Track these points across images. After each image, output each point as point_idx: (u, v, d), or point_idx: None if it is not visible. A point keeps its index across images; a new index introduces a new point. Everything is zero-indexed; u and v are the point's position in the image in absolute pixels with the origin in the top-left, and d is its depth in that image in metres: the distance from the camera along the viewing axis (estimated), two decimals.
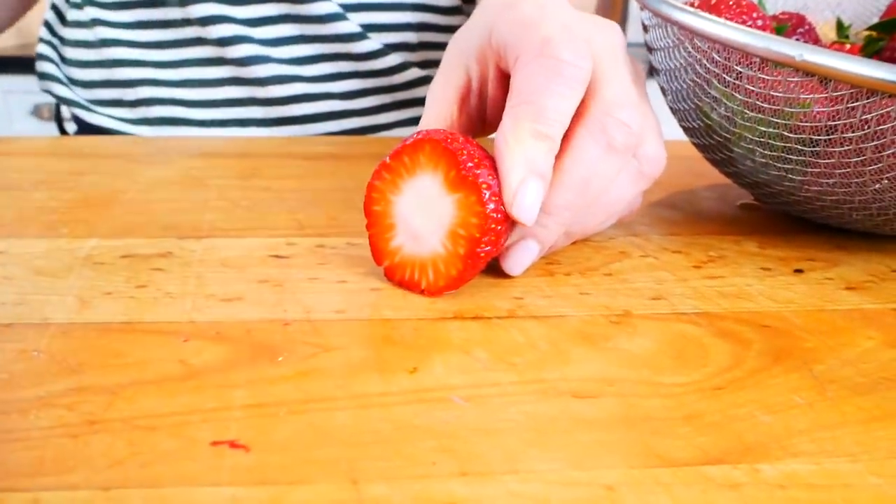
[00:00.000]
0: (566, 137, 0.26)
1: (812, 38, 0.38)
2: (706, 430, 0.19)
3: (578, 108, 0.26)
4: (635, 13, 1.81)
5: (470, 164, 0.24)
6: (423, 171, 0.25)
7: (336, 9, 0.52)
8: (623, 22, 1.85)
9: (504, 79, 0.29)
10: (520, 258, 0.27)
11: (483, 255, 0.25)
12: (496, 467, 0.17)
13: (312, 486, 0.16)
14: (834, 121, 0.26)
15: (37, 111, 1.47)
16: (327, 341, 0.23)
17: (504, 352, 0.23)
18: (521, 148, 0.25)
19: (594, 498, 0.16)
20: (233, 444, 0.18)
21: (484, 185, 0.24)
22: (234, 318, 0.24)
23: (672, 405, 0.20)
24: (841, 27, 0.40)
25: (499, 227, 0.24)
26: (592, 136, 0.26)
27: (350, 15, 0.53)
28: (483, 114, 0.31)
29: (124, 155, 0.44)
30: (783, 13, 0.39)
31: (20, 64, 1.42)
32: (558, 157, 0.26)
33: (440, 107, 0.29)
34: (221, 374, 0.21)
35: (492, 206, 0.24)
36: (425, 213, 0.25)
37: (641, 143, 0.27)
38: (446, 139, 0.24)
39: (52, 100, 0.61)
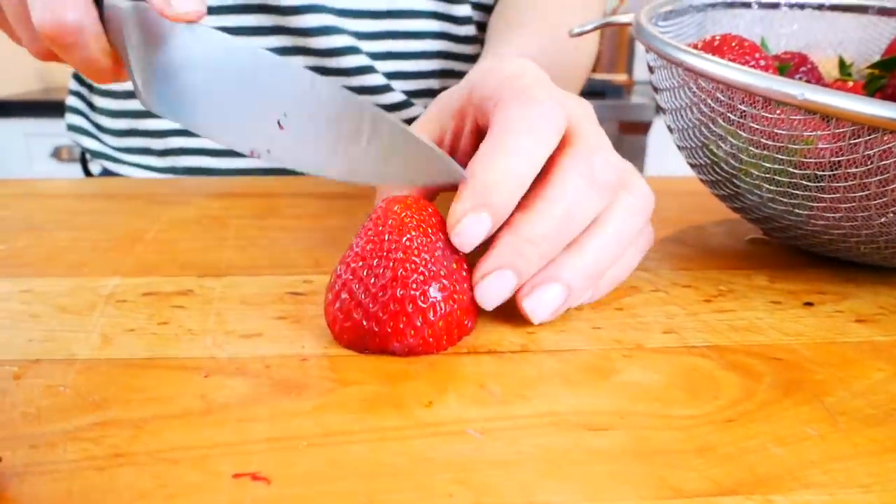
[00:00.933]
0: (548, 171, 0.26)
1: (815, 76, 0.39)
2: (718, 462, 0.19)
3: (560, 149, 0.27)
4: (642, 53, 1.84)
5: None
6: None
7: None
8: (629, 61, 1.87)
9: (479, 133, 0.30)
10: (494, 288, 0.26)
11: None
12: (512, 499, 0.18)
13: None
14: (837, 157, 0.27)
15: (57, 153, 1.50)
16: (344, 376, 0.23)
17: (517, 385, 0.23)
18: (480, 180, 0.25)
19: None
20: (254, 477, 0.18)
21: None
22: (254, 353, 0.25)
23: (684, 437, 0.20)
24: (843, 65, 0.41)
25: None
26: (577, 168, 0.26)
27: (377, 64, 0.54)
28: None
29: (145, 196, 0.46)
30: (785, 53, 0.40)
31: (42, 107, 1.46)
32: (540, 188, 0.26)
33: None
34: (242, 408, 0.21)
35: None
36: None
37: (627, 182, 0.28)
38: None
39: (72, 143, 0.62)
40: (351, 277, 0.25)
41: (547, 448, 0.20)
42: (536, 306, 0.26)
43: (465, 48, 0.59)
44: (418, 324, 0.24)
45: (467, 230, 0.25)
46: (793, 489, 0.18)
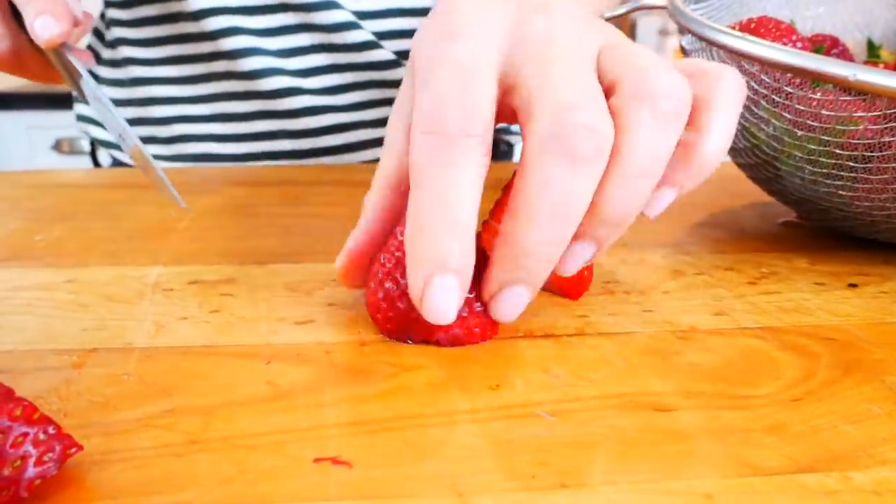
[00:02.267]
0: (522, 153, 0.22)
1: (847, 58, 0.39)
2: (792, 441, 0.19)
3: (522, 122, 0.22)
4: (644, 39, 1.83)
5: None
6: None
7: (369, 37, 0.52)
8: None
9: None
10: (508, 306, 0.23)
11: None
12: (594, 479, 0.18)
13: (420, 499, 0.17)
14: (887, 137, 0.27)
15: (58, 146, 1.49)
16: (405, 361, 0.23)
17: (580, 368, 0.23)
18: (424, 239, 0.22)
19: None
20: (335, 461, 0.18)
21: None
22: (311, 340, 0.25)
23: (753, 417, 0.21)
24: (872, 46, 0.41)
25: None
26: (550, 154, 0.21)
27: (384, 42, 0.54)
28: None
29: (173, 185, 0.45)
30: (816, 35, 0.40)
31: (43, 100, 1.45)
32: (516, 188, 0.22)
33: (398, 140, 0.25)
34: (309, 394, 0.21)
35: None
36: None
37: (639, 91, 0.22)
38: None
39: (75, 134, 0.62)
40: (395, 266, 0.24)
41: (619, 429, 0.20)
42: (563, 263, 0.24)
43: None
44: (464, 314, 0.24)
45: (437, 299, 0.22)
46: (869, 466, 0.18)
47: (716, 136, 0.23)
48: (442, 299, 0.22)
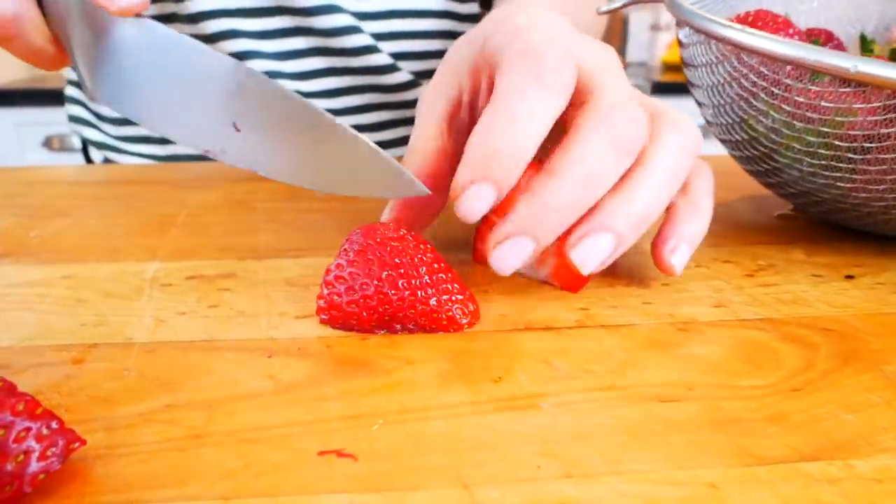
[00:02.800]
0: (567, 130, 0.25)
1: (842, 51, 0.39)
2: (793, 430, 0.20)
3: (577, 106, 0.25)
4: (635, 34, 1.84)
5: None
6: None
7: (368, 41, 0.52)
8: (623, 42, 1.87)
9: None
10: (511, 254, 0.25)
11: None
12: (599, 469, 0.18)
13: (426, 491, 0.17)
14: (885, 128, 0.27)
15: (48, 143, 1.48)
16: (407, 354, 0.23)
17: (581, 360, 0.23)
18: (482, 150, 0.24)
19: (700, 496, 0.17)
20: (340, 454, 0.18)
21: None
22: (312, 334, 0.25)
23: (755, 407, 0.21)
24: (865, 41, 0.41)
25: None
26: (596, 128, 0.24)
27: (382, 44, 0.53)
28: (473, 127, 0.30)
29: (169, 181, 0.45)
30: (811, 29, 0.41)
31: (33, 96, 1.44)
32: (559, 152, 0.25)
33: (430, 121, 0.29)
34: (312, 387, 0.21)
35: None
36: None
37: (669, 121, 0.26)
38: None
39: (65, 131, 0.61)
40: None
41: (623, 420, 0.20)
42: (586, 258, 0.25)
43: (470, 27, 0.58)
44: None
45: (469, 202, 0.24)
46: (870, 454, 0.19)
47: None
48: (478, 203, 0.24)
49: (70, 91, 0.62)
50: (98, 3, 0.25)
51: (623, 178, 0.25)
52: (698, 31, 0.31)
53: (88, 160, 0.66)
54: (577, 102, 0.26)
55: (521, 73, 0.25)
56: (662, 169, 0.25)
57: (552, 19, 0.28)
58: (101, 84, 0.28)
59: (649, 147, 0.26)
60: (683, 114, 0.27)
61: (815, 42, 0.37)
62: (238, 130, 0.25)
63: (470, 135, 0.25)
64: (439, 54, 0.56)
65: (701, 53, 0.33)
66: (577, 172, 0.24)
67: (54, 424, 0.17)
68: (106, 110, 0.59)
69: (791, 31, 0.34)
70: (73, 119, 0.61)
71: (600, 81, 0.26)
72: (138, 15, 0.26)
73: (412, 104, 0.57)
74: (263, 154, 0.26)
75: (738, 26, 0.29)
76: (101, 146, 0.60)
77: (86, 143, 0.64)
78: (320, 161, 0.26)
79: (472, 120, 0.30)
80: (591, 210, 0.25)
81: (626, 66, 1.75)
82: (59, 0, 0.27)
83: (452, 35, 0.56)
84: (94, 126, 0.60)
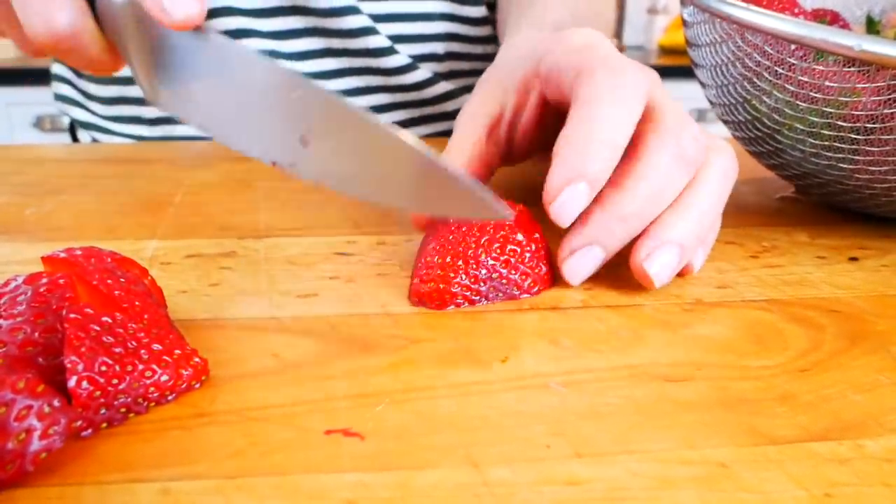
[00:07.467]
0: (635, 146, 0.26)
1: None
2: (802, 410, 0.19)
3: (646, 123, 0.26)
4: (633, 18, 1.82)
5: None
6: None
7: (367, 22, 0.51)
8: (620, 25, 1.86)
9: (543, 107, 0.30)
10: (584, 263, 0.26)
11: None
12: (609, 448, 0.18)
13: (435, 470, 0.17)
14: (889, 108, 0.27)
15: (39, 123, 1.46)
16: (413, 334, 0.23)
17: (588, 340, 0.23)
18: (574, 150, 0.25)
19: (711, 476, 0.17)
20: (346, 433, 0.18)
21: None
22: (315, 313, 0.24)
23: (763, 387, 0.21)
24: (871, 22, 0.41)
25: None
26: (666, 146, 0.25)
27: (379, 27, 0.53)
28: (510, 144, 0.31)
29: (166, 159, 0.44)
30: (817, 10, 0.40)
31: (22, 75, 1.42)
32: (629, 165, 0.26)
33: (470, 130, 0.30)
34: (316, 366, 0.21)
35: None
36: None
37: (714, 146, 0.27)
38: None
39: (56, 112, 0.60)
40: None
41: (632, 399, 0.20)
42: (659, 270, 0.25)
43: (469, 10, 0.57)
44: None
45: (567, 202, 0.25)
46: (880, 434, 0.19)
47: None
48: (574, 203, 0.25)
49: (56, 69, 0.60)
50: (154, 16, 0.24)
51: (680, 194, 0.26)
52: (703, 9, 0.31)
53: (75, 140, 0.64)
54: (643, 118, 0.27)
55: (604, 81, 0.26)
56: (713, 188, 0.27)
57: (601, 38, 0.29)
58: (161, 93, 0.26)
59: (700, 168, 0.27)
60: (723, 140, 0.28)
61: (821, 21, 0.37)
62: (306, 145, 0.24)
63: (558, 140, 0.26)
64: (457, 56, 0.56)
65: (705, 32, 0.33)
66: (647, 187, 0.25)
67: (56, 402, 0.17)
68: (94, 89, 0.58)
69: (796, 10, 0.34)
70: (60, 98, 0.60)
71: (661, 101, 0.27)
72: None
73: (431, 102, 0.57)
74: (335, 168, 0.24)
75: (743, 4, 0.29)
76: (87, 126, 0.58)
77: (73, 125, 0.63)
78: (395, 180, 0.24)
79: (510, 137, 0.31)
80: (653, 223, 0.26)
81: (623, 50, 1.75)
82: (114, 10, 0.26)
83: (470, 39, 0.56)
84: (82, 105, 0.59)
